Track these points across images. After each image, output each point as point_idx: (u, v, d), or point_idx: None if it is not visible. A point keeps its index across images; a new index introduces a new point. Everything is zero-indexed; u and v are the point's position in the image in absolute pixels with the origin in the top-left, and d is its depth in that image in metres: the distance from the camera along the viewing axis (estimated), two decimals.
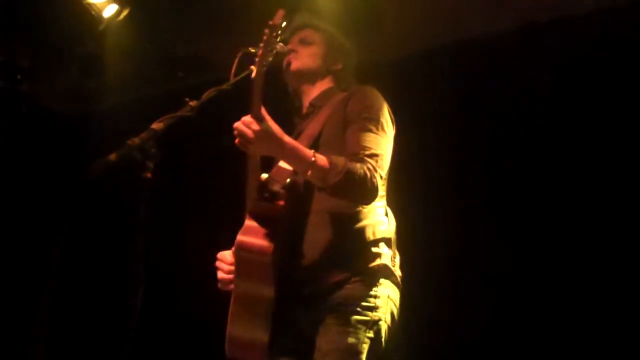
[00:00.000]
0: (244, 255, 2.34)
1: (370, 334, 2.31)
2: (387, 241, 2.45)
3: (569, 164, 3.87)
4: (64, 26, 4.80)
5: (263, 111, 2.18)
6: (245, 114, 2.22)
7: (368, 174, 2.27)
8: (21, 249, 5.56)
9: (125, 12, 4.51)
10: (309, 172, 2.24)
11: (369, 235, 2.40)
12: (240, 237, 2.36)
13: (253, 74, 2.23)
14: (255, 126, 2.16)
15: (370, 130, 2.41)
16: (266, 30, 2.21)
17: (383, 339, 2.36)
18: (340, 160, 2.25)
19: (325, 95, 2.74)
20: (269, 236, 2.34)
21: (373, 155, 2.34)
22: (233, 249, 2.49)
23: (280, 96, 2.89)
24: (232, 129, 2.21)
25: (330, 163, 2.23)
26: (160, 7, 4.67)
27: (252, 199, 2.41)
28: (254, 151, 2.28)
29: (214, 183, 4.97)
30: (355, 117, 2.47)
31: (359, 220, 2.41)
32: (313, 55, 2.76)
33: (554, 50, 4.01)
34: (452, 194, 4.14)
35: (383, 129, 2.45)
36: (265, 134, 2.17)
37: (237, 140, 2.20)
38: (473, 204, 4.08)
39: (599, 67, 3.88)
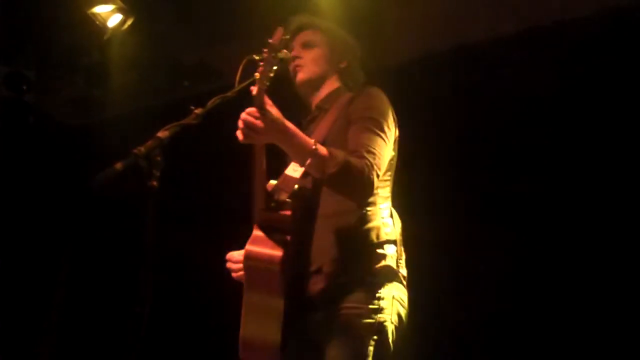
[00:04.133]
0: (253, 265, 2.34)
1: (376, 337, 2.31)
2: (393, 242, 2.46)
3: (572, 166, 3.88)
4: (69, 37, 4.83)
5: (266, 99, 2.18)
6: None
7: (366, 169, 2.29)
8: (28, 257, 5.59)
9: (129, 22, 4.53)
10: (309, 161, 2.24)
11: (373, 237, 2.42)
12: (248, 247, 2.36)
13: (254, 92, 2.18)
14: (260, 114, 2.15)
15: (370, 130, 2.43)
16: (265, 50, 2.18)
17: (390, 340, 2.36)
18: (340, 153, 2.27)
19: (331, 97, 2.73)
20: (277, 246, 2.34)
21: (370, 153, 2.35)
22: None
23: (289, 102, 2.91)
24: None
25: (330, 154, 2.25)
26: (164, 16, 4.68)
27: (259, 208, 2.41)
28: (260, 141, 2.26)
29: (222, 187, 4.99)
30: (358, 117, 2.49)
31: (363, 223, 2.43)
32: (318, 59, 2.74)
33: (556, 54, 4.02)
34: (453, 196, 4.16)
35: (382, 130, 2.46)
36: (270, 122, 2.17)
37: (241, 133, 2.18)
38: (473, 206, 4.10)
39: (601, 70, 3.89)
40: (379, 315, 2.33)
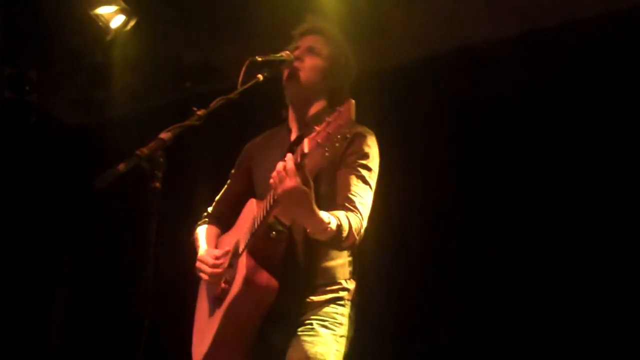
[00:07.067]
0: (252, 289, 2.43)
1: (338, 347, 2.51)
2: (352, 277, 2.66)
3: (574, 168, 3.88)
4: (72, 37, 4.83)
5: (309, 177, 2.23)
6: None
7: (361, 231, 2.44)
8: (29, 258, 5.59)
9: (132, 23, 4.54)
10: (319, 235, 2.34)
11: (339, 274, 2.61)
12: (248, 273, 2.42)
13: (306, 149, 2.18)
14: (293, 182, 2.19)
15: (364, 180, 2.55)
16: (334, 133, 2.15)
17: (344, 353, 2.55)
18: (344, 224, 2.35)
19: (319, 117, 2.62)
20: (273, 277, 2.45)
21: (363, 205, 2.49)
22: (214, 255, 2.63)
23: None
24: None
25: (338, 228, 2.33)
26: (167, 17, 4.69)
27: (258, 237, 2.46)
28: (280, 200, 2.28)
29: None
30: (353, 161, 2.58)
31: (332, 258, 2.60)
32: (316, 70, 2.72)
33: (559, 56, 4.02)
34: (453, 197, 4.17)
35: (373, 180, 2.59)
36: (298, 193, 2.21)
37: (271, 181, 2.26)
38: (474, 206, 4.11)
39: (604, 72, 3.89)
40: (340, 329, 2.54)
